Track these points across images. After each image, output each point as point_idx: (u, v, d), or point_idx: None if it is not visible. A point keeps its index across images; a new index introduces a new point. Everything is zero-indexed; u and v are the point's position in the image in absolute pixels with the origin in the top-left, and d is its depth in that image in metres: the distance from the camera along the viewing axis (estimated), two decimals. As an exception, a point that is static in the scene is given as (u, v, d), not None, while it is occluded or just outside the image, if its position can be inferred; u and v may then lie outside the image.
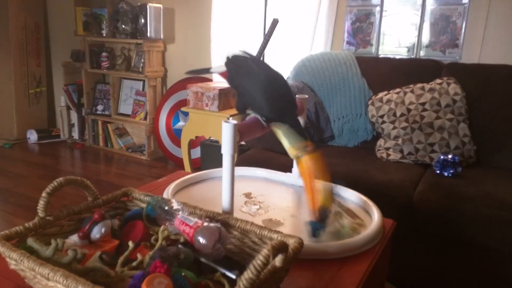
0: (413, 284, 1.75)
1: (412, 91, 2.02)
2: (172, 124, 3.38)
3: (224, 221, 0.90)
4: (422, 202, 1.62)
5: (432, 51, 2.41)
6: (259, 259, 0.65)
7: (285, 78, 1.08)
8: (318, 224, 0.98)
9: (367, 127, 2.20)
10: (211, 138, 2.71)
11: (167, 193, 1.22)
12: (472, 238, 1.56)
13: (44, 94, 4.10)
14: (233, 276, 0.79)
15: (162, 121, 3.40)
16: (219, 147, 2.69)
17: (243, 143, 2.47)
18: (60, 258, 0.74)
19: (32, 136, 3.90)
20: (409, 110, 1.99)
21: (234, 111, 2.57)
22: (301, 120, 1.29)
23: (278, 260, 0.72)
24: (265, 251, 0.66)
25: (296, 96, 1.30)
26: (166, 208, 0.92)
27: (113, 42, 3.63)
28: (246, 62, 1.06)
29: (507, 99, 1.95)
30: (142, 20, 3.25)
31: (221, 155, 0.98)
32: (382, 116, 2.05)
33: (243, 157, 2.06)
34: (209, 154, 2.70)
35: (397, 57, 2.47)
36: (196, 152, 3.04)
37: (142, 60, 3.37)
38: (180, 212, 0.89)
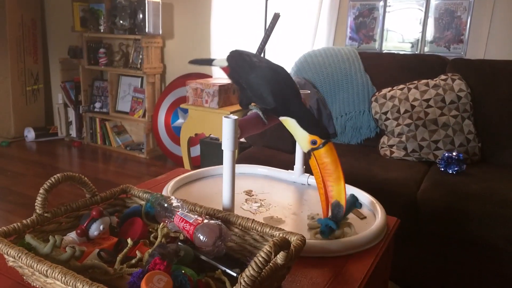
0: (417, 282, 1.73)
1: (416, 88, 2.00)
2: (171, 121, 3.36)
3: (224, 218, 0.88)
4: (426, 200, 1.60)
5: (437, 47, 2.39)
6: (260, 256, 0.63)
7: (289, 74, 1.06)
8: (328, 222, 0.96)
9: (370, 124, 2.17)
10: (211, 135, 2.69)
11: (167, 191, 1.20)
12: (476, 236, 1.54)
13: (41, 92, 4.07)
14: (234, 274, 0.77)
15: (161, 118, 3.38)
16: (219, 145, 2.66)
17: (243, 140, 2.45)
18: (58, 255, 0.72)
19: (30, 134, 3.87)
20: (413, 106, 1.96)
21: (234, 107, 2.55)
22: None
23: (279, 257, 0.70)
24: (266, 248, 0.64)
25: (299, 91, 1.28)
26: (166, 205, 0.89)
27: (111, 38, 3.60)
28: (248, 57, 1.05)
29: None
30: (141, 16, 3.23)
31: (221, 153, 0.96)
32: (385, 113, 2.03)
33: (244, 154, 2.04)
34: (209, 152, 2.68)
35: (401, 53, 2.44)
36: (196, 150, 3.02)
37: (141, 56, 3.35)
38: (179, 209, 0.87)
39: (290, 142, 2.03)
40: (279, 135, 2.06)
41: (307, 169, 1.36)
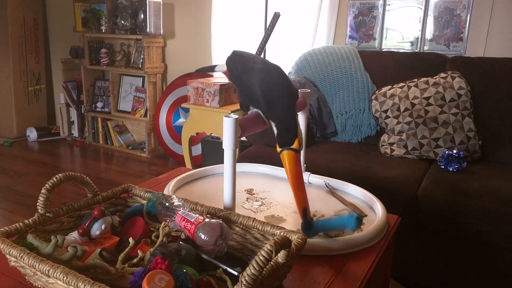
0: (417, 280, 1.73)
1: (416, 86, 2.00)
2: (173, 120, 3.36)
3: (225, 217, 0.89)
4: (427, 198, 1.60)
5: (436, 45, 2.39)
6: (261, 255, 0.63)
7: (286, 72, 1.06)
8: (307, 229, 0.96)
9: (370, 122, 2.18)
10: (212, 134, 2.69)
11: (168, 190, 1.21)
12: (477, 234, 1.54)
13: (43, 92, 4.08)
14: (235, 273, 0.78)
15: (163, 117, 3.38)
16: (220, 144, 2.66)
17: (244, 139, 2.45)
18: (60, 255, 0.73)
19: (32, 134, 3.88)
20: (413, 104, 1.96)
21: (235, 106, 2.55)
22: (303, 115, 1.27)
23: (280, 256, 0.70)
24: (267, 246, 0.64)
25: (299, 90, 1.28)
26: (167, 204, 0.90)
27: (113, 38, 3.60)
28: (243, 58, 1.07)
29: None
30: (142, 16, 3.23)
31: (222, 151, 0.96)
32: (385, 111, 2.03)
33: (245, 153, 2.05)
34: (210, 151, 2.68)
35: (401, 51, 2.44)
36: (197, 149, 3.02)
37: (142, 56, 3.35)
38: (181, 208, 0.88)
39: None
40: (280, 134, 2.06)
41: (308, 168, 1.37)
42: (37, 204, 0.85)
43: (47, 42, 4.10)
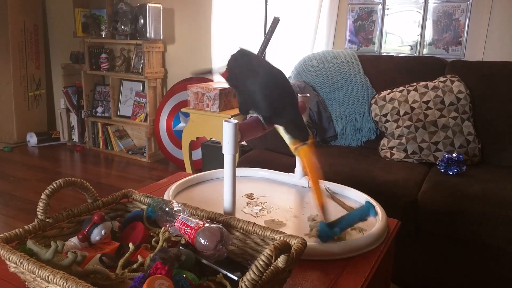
0: (418, 284, 1.73)
1: (415, 89, 2.00)
2: (173, 125, 3.37)
3: (225, 222, 0.89)
4: (426, 201, 1.60)
5: (435, 49, 2.40)
6: (261, 260, 0.63)
7: (286, 75, 1.07)
8: (328, 228, 0.96)
9: (370, 126, 2.18)
10: (212, 139, 2.70)
11: (168, 195, 1.21)
12: (477, 237, 1.54)
13: (43, 97, 4.09)
14: (235, 278, 0.77)
15: (163, 122, 3.39)
16: (221, 148, 2.66)
17: (244, 143, 2.45)
18: (60, 261, 0.73)
19: (32, 139, 3.88)
20: (412, 108, 1.97)
21: (235, 111, 2.56)
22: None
23: (280, 261, 0.70)
24: (267, 251, 0.64)
25: (298, 95, 1.29)
26: (167, 209, 0.90)
27: (113, 43, 3.61)
28: (247, 60, 1.05)
29: (511, 97, 1.93)
30: (142, 21, 3.24)
31: (222, 156, 0.96)
32: (385, 115, 2.03)
33: (245, 157, 2.05)
34: (211, 155, 2.68)
35: (400, 55, 2.45)
36: (197, 154, 3.02)
37: (142, 61, 3.36)
38: (181, 213, 0.88)
39: (291, 145, 2.03)
40: (280, 138, 2.06)
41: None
42: (37, 209, 0.85)
43: (47, 47, 4.11)
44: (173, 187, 1.25)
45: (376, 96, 2.11)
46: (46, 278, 0.67)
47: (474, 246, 1.59)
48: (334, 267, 0.92)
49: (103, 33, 3.56)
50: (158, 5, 3.26)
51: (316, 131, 2.22)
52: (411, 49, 2.46)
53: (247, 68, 1.02)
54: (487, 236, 1.52)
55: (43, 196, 0.85)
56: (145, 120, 3.49)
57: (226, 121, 0.94)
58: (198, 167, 2.96)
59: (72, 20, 3.64)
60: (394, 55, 2.48)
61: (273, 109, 0.98)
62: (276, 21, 2.39)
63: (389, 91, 2.08)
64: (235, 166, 0.97)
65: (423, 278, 1.71)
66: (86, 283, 0.64)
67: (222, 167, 1.18)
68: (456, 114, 1.92)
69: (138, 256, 0.79)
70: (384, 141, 2.06)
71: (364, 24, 2.55)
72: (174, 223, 0.87)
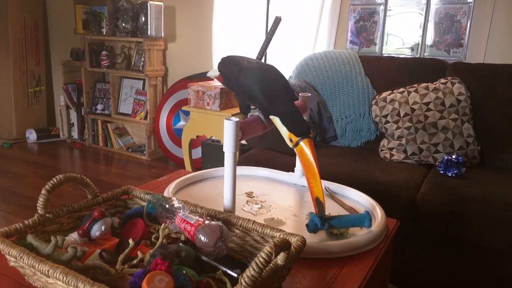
0: (416, 285, 1.73)
1: (416, 91, 2.01)
2: (173, 123, 3.37)
3: (225, 219, 0.89)
4: (426, 203, 1.61)
5: (437, 51, 2.40)
6: (261, 257, 0.64)
7: (285, 75, 1.08)
8: (316, 220, 0.97)
9: (370, 127, 2.18)
10: (212, 137, 2.70)
11: (168, 192, 1.21)
12: (476, 239, 1.55)
13: (43, 93, 4.09)
14: (235, 275, 0.78)
15: (163, 120, 3.39)
16: (221, 147, 2.67)
17: (244, 142, 2.46)
18: (59, 255, 0.73)
19: (31, 135, 3.88)
20: (413, 110, 1.97)
21: (235, 110, 2.56)
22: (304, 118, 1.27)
23: (280, 258, 0.70)
24: (267, 248, 0.65)
25: (299, 94, 1.29)
26: (167, 206, 0.90)
27: (113, 40, 3.61)
28: (236, 61, 1.07)
29: None
30: (143, 18, 3.24)
31: (222, 155, 0.96)
32: (385, 116, 2.04)
33: (245, 156, 2.05)
34: (210, 154, 2.69)
35: (401, 56, 2.45)
36: (197, 152, 3.03)
37: (143, 59, 3.36)
38: (181, 210, 0.88)
39: (290, 144, 2.03)
40: (280, 137, 2.06)
41: (308, 172, 1.37)
42: (37, 204, 0.85)
43: (47, 44, 4.10)
44: (173, 185, 1.25)
45: (376, 97, 2.11)
46: (46, 272, 0.67)
47: (473, 248, 1.59)
48: (333, 265, 0.92)
49: (103, 30, 3.56)
50: (160, 3, 3.26)
51: (316, 131, 2.22)
52: (412, 50, 2.47)
53: (237, 68, 1.05)
54: (486, 238, 1.52)
55: (43, 191, 0.85)
56: (145, 118, 3.49)
57: (227, 119, 0.94)
58: (197, 165, 2.96)
59: (73, 16, 3.64)
60: (395, 56, 2.48)
61: (268, 99, 0.99)
62: (277, 20, 2.40)
63: (389, 92, 2.08)
64: (235, 164, 0.97)
65: (422, 279, 1.71)
66: (86, 277, 0.64)
67: (221, 165, 1.18)
68: (456, 116, 1.93)
69: (138, 252, 0.80)
70: (384, 142, 2.06)
71: (366, 25, 2.55)
72: (174, 220, 0.87)
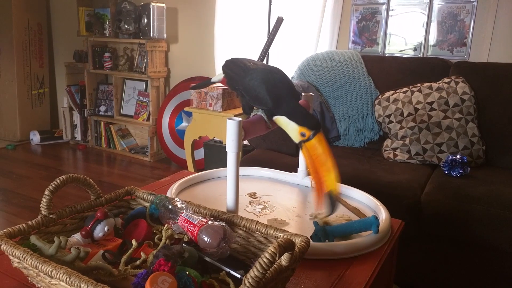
0: (420, 285, 1.72)
1: (419, 90, 2.00)
2: (175, 125, 3.37)
3: (228, 219, 0.88)
4: (430, 203, 1.60)
5: (440, 50, 2.39)
6: (265, 257, 0.63)
7: (287, 75, 1.07)
8: (322, 233, 0.96)
9: (373, 127, 2.17)
10: (215, 138, 2.70)
11: (171, 193, 1.20)
12: (480, 239, 1.54)
13: (47, 95, 4.10)
14: (238, 275, 0.77)
15: (165, 121, 3.39)
16: (223, 148, 2.67)
17: (247, 143, 2.45)
18: (63, 256, 0.73)
19: (35, 137, 3.89)
20: (416, 109, 1.96)
21: (238, 110, 2.56)
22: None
23: (284, 259, 0.70)
24: (271, 249, 0.64)
25: (302, 94, 1.29)
26: (170, 207, 0.90)
27: (116, 42, 3.62)
28: (241, 62, 1.07)
29: (515, 99, 1.93)
30: (145, 20, 3.25)
31: (225, 156, 0.96)
32: (389, 116, 2.03)
33: (248, 157, 2.04)
34: (213, 155, 2.68)
35: (404, 56, 2.44)
36: (200, 153, 3.02)
37: (145, 60, 3.36)
38: (184, 211, 0.87)
39: (293, 145, 2.03)
40: (282, 138, 2.06)
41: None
42: (41, 205, 0.85)
43: (51, 46, 4.12)
44: (175, 185, 1.25)
45: (379, 96, 2.10)
46: (49, 273, 0.66)
47: (477, 248, 1.58)
48: (337, 266, 0.92)
49: (106, 32, 3.57)
50: (162, 4, 3.26)
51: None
52: (415, 50, 2.46)
53: (242, 69, 1.05)
54: (491, 238, 1.51)
55: (46, 192, 0.85)
56: (148, 119, 3.49)
57: (230, 119, 0.94)
58: (200, 166, 2.96)
59: (76, 19, 3.65)
60: (398, 56, 2.47)
61: (273, 100, 0.98)
62: (279, 20, 2.39)
63: (392, 92, 2.08)
64: (238, 164, 0.96)
65: (426, 280, 1.70)
66: (89, 278, 0.64)
67: (224, 166, 1.18)
68: (460, 116, 1.91)
69: (141, 253, 0.79)
70: (387, 142, 2.05)
71: (368, 24, 2.55)
72: (177, 220, 0.87)
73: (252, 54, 2.82)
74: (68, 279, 0.64)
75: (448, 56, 2.36)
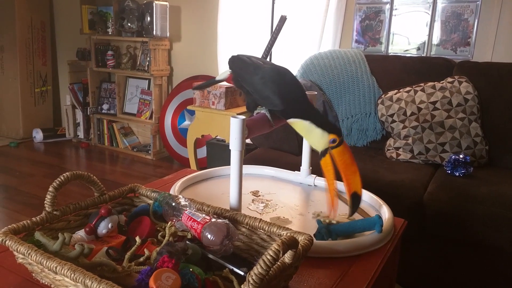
0: (422, 285, 1.72)
1: (422, 90, 1.99)
2: (178, 123, 3.37)
3: (232, 217, 0.88)
4: (433, 202, 1.59)
5: (443, 50, 2.39)
6: (268, 255, 0.63)
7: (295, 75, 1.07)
8: (325, 231, 0.96)
9: (376, 127, 2.17)
10: (218, 137, 2.69)
11: (174, 191, 1.21)
12: (483, 239, 1.53)
13: (50, 93, 4.11)
14: (241, 273, 0.77)
15: (168, 120, 3.39)
16: (226, 146, 2.67)
17: (249, 141, 2.45)
18: (67, 252, 0.73)
19: (38, 135, 3.90)
20: (419, 109, 1.96)
21: (241, 109, 2.55)
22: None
23: (287, 256, 0.70)
24: (275, 246, 0.64)
25: (305, 93, 1.28)
26: (173, 204, 0.90)
27: (119, 40, 3.63)
28: (249, 59, 1.06)
29: (519, 99, 1.92)
30: (148, 18, 3.25)
31: (228, 154, 0.96)
32: (392, 115, 2.02)
33: (250, 156, 2.05)
34: (216, 154, 2.68)
35: (407, 55, 2.44)
36: (202, 152, 3.03)
37: (148, 59, 3.37)
38: (187, 208, 0.88)
39: (296, 143, 2.03)
40: (285, 137, 2.06)
41: (314, 170, 1.37)
42: (45, 202, 0.85)
43: (54, 44, 4.13)
44: (178, 183, 1.25)
45: (382, 96, 2.10)
46: (54, 269, 0.67)
47: (480, 248, 1.58)
48: (340, 264, 0.92)
49: (109, 30, 3.57)
50: (165, 3, 3.26)
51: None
52: (419, 49, 2.45)
53: (251, 66, 1.03)
54: (493, 238, 1.51)
55: (50, 189, 0.86)
56: (151, 117, 3.50)
57: (233, 117, 0.94)
58: (203, 165, 2.96)
59: (79, 17, 3.66)
60: (402, 55, 2.47)
61: (285, 101, 0.97)
62: (283, 19, 2.39)
63: (396, 91, 2.07)
64: (242, 163, 0.97)
65: (428, 279, 1.70)
66: (93, 274, 0.64)
67: (227, 165, 1.18)
68: (464, 115, 1.91)
69: (145, 250, 0.79)
70: (390, 141, 2.05)
71: (372, 24, 2.54)
72: (181, 217, 0.87)
73: (255, 52, 2.82)
74: (72, 275, 0.64)
75: (452, 55, 2.35)
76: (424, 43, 2.44)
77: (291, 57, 2.79)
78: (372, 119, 2.18)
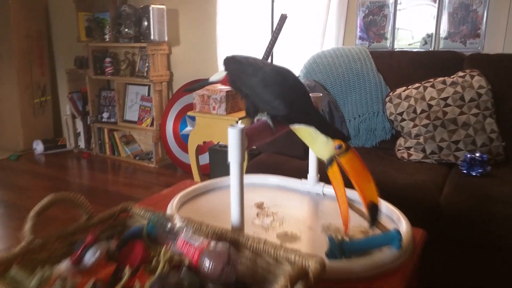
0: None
1: (432, 86, 1.89)
2: (180, 129, 3.29)
3: (233, 239, 0.79)
4: (450, 206, 1.50)
5: (452, 43, 2.28)
6: (276, 291, 0.54)
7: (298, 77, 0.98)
8: (338, 249, 0.87)
9: (385, 126, 2.07)
10: (220, 143, 2.61)
11: (172, 207, 1.12)
12: (505, 242, 1.43)
13: (49, 103, 4.04)
14: (246, 305, 0.68)
15: (169, 126, 3.31)
16: (228, 152, 2.58)
17: (253, 146, 2.36)
18: (45, 291, 0.64)
19: (38, 146, 3.84)
20: (430, 106, 1.86)
21: (242, 113, 2.47)
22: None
23: (298, 288, 0.61)
24: (282, 280, 0.55)
25: (310, 94, 1.19)
26: (168, 226, 0.81)
27: (117, 46, 3.55)
28: (246, 60, 0.97)
29: (535, 91, 1.82)
30: (145, 23, 3.17)
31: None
32: (401, 114, 1.93)
33: (254, 162, 1.96)
34: (218, 160, 2.60)
35: (414, 50, 2.34)
36: (205, 158, 2.94)
37: (147, 64, 3.29)
38: (183, 231, 0.79)
39: (301, 148, 1.94)
40: (290, 141, 1.97)
41: (322, 178, 1.28)
42: (24, 230, 0.77)
43: (51, 53, 4.06)
44: (176, 198, 1.16)
45: (390, 93, 2.00)
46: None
47: (501, 252, 1.48)
48: (356, 286, 0.83)
49: (106, 36, 3.50)
50: (162, 6, 3.18)
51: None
52: (426, 43, 2.35)
53: (249, 68, 0.94)
54: (517, 242, 1.41)
55: (31, 214, 0.78)
56: (152, 124, 3.42)
57: (231, 126, 0.85)
58: (206, 171, 2.88)
59: (76, 24, 3.59)
60: (408, 50, 2.36)
61: (288, 106, 0.89)
62: (283, 18, 2.31)
63: (404, 88, 1.98)
64: (242, 176, 0.88)
65: (446, 285, 1.60)
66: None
67: (230, 173, 1.09)
68: (477, 111, 1.81)
69: (136, 282, 0.71)
70: (400, 141, 1.95)
71: (376, 19, 2.44)
72: (176, 241, 0.78)
73: (256, 53, 2.73)
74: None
75: (461, 48, 2.25)
76: (431, 36, 2.33)
77: (293, 57, 2.70)
78: (380, 118, 2.08)
